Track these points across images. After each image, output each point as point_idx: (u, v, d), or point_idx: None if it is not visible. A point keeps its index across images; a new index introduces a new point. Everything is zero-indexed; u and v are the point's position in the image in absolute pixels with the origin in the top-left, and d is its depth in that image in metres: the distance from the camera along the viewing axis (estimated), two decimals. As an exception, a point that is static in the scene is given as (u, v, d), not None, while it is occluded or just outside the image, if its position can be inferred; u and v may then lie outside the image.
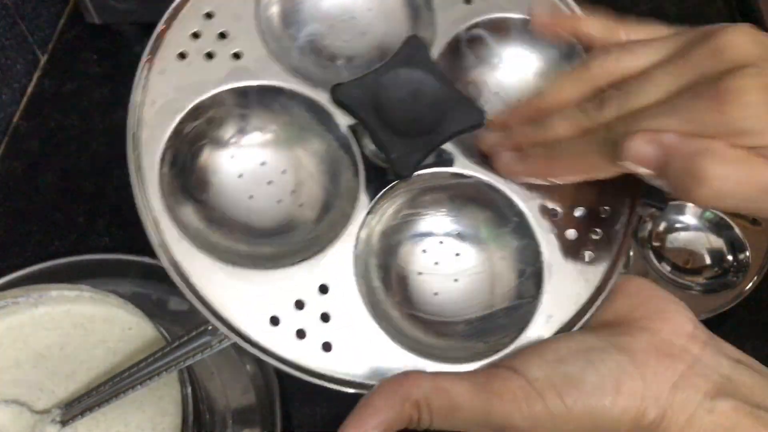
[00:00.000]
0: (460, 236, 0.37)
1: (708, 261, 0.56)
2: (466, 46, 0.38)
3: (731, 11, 0.73)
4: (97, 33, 0.68)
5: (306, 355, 0.32)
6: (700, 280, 0.55)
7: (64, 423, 0.42)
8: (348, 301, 0.33)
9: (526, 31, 0.38)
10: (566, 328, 0.34)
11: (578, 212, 0.36)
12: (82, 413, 0.41)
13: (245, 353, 0.34)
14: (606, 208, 0.36)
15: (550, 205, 0.35)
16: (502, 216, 0.36)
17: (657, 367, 0.30)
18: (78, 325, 0.46)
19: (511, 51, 0.39)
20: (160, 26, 0.36)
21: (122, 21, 0.66)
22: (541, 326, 0.33)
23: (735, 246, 0.56)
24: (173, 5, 0.36)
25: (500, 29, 0.39)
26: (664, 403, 0.30)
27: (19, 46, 0.64)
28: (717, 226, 0.57)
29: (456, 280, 0.36)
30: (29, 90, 0.66)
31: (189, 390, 0.41)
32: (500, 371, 0.31)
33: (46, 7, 0.68)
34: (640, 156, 0.29)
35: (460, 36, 0.38)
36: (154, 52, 0.35)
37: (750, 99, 0.27)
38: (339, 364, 0.32)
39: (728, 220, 0.56)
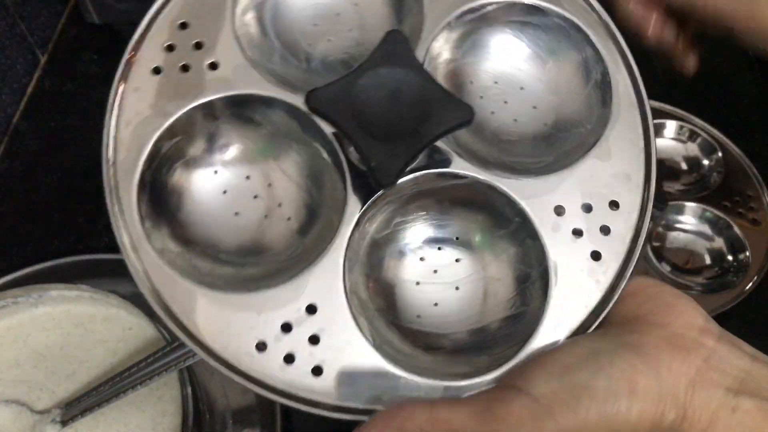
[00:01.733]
0: (458, 242, 0.35)
1: (708, 261, 0.56)
2: (459, 36, 0.36)
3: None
4: (97, 33, 0.68)
5: (296, 382, 0.30)
6: (700, 280, 0.55)
7: (64, 423, 0.42)
8: (338, 320, 0.31)
9: (517, 15, 0.36)
10: (576, 335, 0.31)
11: (586, 208, 0.33)
12: (82, 413, 0.41)
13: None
14: (616, 201, 0.33)
15: (555, 201, 0.33)
16: (503, 217, 0.34)
17: (671, 362, 0.28)
18: (78, 325, 0.46)
19: (503, 37, 0.37)
20: (132, 43, 0.34)
21: (122, 21, 0.66)
22: (549, 333, 0.31)
23: (735, 246, 0.56)
24: (145, 19, 0.35)
25: (491, 15, 0.36)
26: (683, 402, 0.28)
27: (19, 46, 0.64)
28: (717, 226, 0.57)
29: (457, 288, 0.34)
30: (29, 90, 0.66)
31: (189, 390, 0.42)
32: (502, 392, 0.29)
33: (46, 7, 0.68)
34: None
35: (451, 25, 0.36)
36: (127, 71, 0.34)
37: None
38: (331, 390, 0.30)
39: (728, 220, 0.56)
